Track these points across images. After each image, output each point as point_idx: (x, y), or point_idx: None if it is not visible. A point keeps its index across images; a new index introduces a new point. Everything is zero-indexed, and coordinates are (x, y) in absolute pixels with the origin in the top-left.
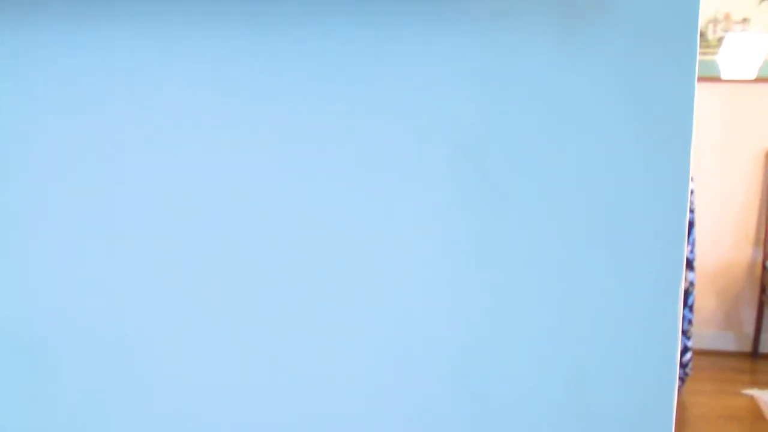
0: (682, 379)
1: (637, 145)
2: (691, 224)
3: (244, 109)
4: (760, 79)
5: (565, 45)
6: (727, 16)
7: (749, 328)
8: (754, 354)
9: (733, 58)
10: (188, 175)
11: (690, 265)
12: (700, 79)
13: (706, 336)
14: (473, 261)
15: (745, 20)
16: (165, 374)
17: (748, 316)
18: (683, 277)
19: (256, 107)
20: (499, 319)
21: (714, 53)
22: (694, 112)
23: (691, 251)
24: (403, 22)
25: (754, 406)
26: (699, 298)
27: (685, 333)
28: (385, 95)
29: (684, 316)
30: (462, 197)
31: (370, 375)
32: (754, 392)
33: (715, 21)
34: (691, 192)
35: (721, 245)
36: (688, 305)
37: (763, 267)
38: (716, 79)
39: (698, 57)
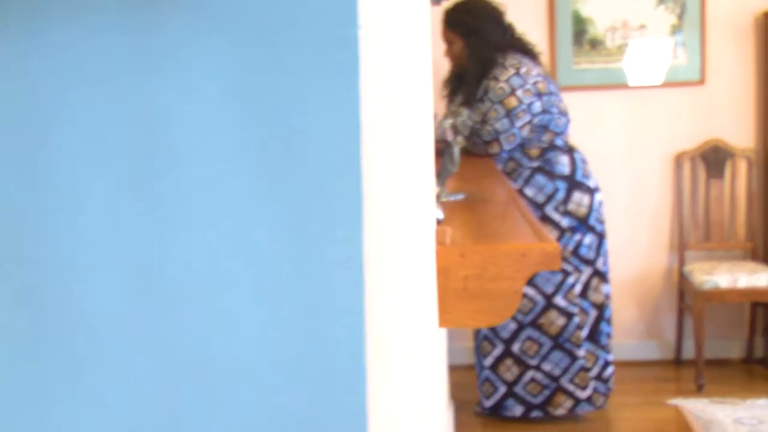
0: (605, 395)
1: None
2: (603, 236)
3: None
4: (666, 84)
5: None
6: (624, 24)
7: (671, 336)
8: (677, 361)
9: (639, 64)
10: None
11: (604, 277)
12: (605, 87)
13: (628, 346)
14: None
15: (642, 26)
16: None
17: (669, 323)
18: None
19: None
20: None
21: (616, 60)
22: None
23: (604, 263)
24: None
25: (680, 417)
26: (618, 309)
27: (604, 347)
28: None
29: (602, 331)
30: None
31: None
32: (679, 402)
33: (613, 29)
34: (600, 203)
35: (636, 254)
36: (605, 319)
37: (680, 273)
38: (623, 86)
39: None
